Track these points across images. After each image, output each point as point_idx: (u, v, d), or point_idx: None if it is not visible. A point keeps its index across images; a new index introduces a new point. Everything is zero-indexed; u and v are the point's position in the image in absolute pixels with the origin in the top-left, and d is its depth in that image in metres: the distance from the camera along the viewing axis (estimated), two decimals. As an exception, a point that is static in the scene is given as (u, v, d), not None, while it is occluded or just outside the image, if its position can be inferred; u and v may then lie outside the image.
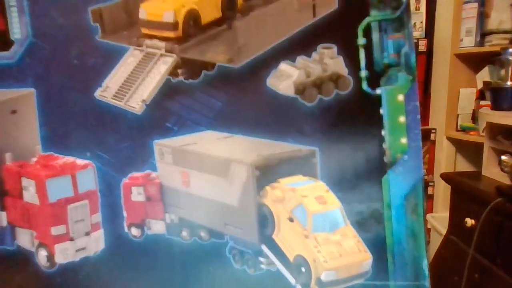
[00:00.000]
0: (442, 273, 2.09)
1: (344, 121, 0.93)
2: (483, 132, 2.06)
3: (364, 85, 0.92)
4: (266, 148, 0.95)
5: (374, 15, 0.92)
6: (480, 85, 2.35)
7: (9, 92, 1.02)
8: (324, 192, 0.93)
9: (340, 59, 0.94)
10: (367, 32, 0.92)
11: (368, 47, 0.92)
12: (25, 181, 1.01)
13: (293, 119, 0.94)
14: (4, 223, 1.03)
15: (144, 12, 0.99)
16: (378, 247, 0.90)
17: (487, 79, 2.26)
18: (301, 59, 0.94)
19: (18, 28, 1.01)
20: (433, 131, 2.61)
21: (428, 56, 2.61)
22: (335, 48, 0.94)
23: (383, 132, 0.91)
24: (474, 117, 2.33)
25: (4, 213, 1.03)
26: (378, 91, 0.92)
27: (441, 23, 2.52)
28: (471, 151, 2.42)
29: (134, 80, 0.99)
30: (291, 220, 0.91)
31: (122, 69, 0.99)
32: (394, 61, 0.91)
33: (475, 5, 2.27)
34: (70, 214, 1.00)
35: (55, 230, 1.00)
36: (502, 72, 1.97)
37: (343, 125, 0.93)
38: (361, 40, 0.92)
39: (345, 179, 0.93)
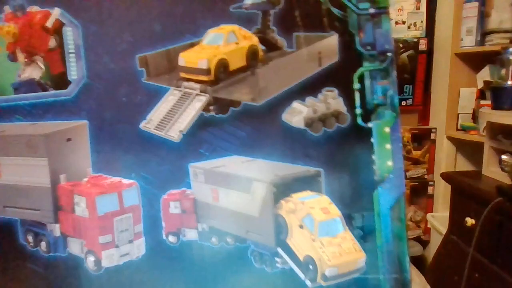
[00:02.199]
0: (442, 272, 2.04)
1: (344, 148, 1.16)
2: (483, 131, 2.01)
3: (359, 120, 1.16)
4: (281, 169, 1.17)
5: (366, 66, 1.17)
6: (480, 85, 2.28)
7: (66, 123, 1.19)
8: (328, 204, 1.16)
9: (340, 99, 1.18)
10: (361, 79, 1.17)
11: (362, 91, 1.17)
12: (77, 198, 1.18)
13: (303, 147, 1.17)
14: (58, 233, 1.20)
15: (183, 60, 1.20)
16: (370, 247, 1.14)
17: (488, 78, 2.20)
18: (309, 99, 1.18)
19: (75, 70, 1.20)
20: (433, 130, 2.55)
21: (428, 55, 2.54)
22: (336, 91, 1.18)
23: (373, 157, 1.15)
24: (475, 117, 2.25)
25: (58, 225, 1.19)
26: (369, 124, 1.16)
27: (442, 22, 2.46)
28: (472, 150, 2.36)
29: (173, 114, 1.19)
30: (301, 227, 1.13)
31: (163, 106, 1.19)
32: (382, 101, 1.16)
33: (476, 4, 2.21)
34: (116, 225, 1.18)
35: (103, 239, 1.17)
36: (503, 71, 1.92)
37: (343, 151, 1.17)
38: (356, 85, 1.17)
39: (344, 193, 1.16)
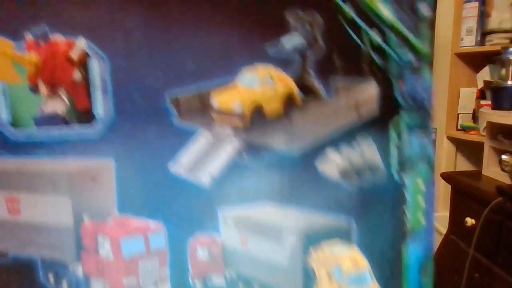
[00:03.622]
0: (443, 272, 2.00)
1: (376, 199, 1.13)
2: (483, 131, 2.00)
3: (393, 172, 1.13)
4: (312, 218, 1.14)
5: (404, 117, 1.13)
6: (480, 85, 2.27)
7: (90, 163, 1.12)
8: (357, 256, 1.14)
9: (375, 149, 1.14)
10: (398, 130, 1.13)
11: (398, 142, 1.13)
12: (101, 239, 1.13)
13: (335, 197, 1.14)
14: (80, 273, 1.15)
15: (216, 102, 1.13)
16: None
17: (488, 78, 2.17)
18: (344, 148, 1.13)
19: (101, 106, 1.11)
20: (433, 130, 2.73)
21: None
22: (371, 140, 1.14)
23: (405, 210, 1.13)
24: (475, 117, 2.24)
25: (80, 266, 1.14)
26: (403, 177, 1.13)
27: (442, 22, 2.39)
28: (472, 150, 2.35)
29: (204, 157, 1.13)
30: (330, 278, 1.11)
31: (194, 148, 1.13)
32: (417, 155, 1.12)
33: (476, 4, 2.19)
34: (141, 268, 1.14)
35: (127, 281, 1.13)
36: (503, 71, 1.90)
37: (375, 202, 1.14)
38: (393, 136, 1.13)
39: (374, 245, 1.14)
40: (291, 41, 1.09)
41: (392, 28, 1.12)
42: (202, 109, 1.15)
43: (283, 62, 1.14)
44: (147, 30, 1.10)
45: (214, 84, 1.14)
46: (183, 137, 1.14)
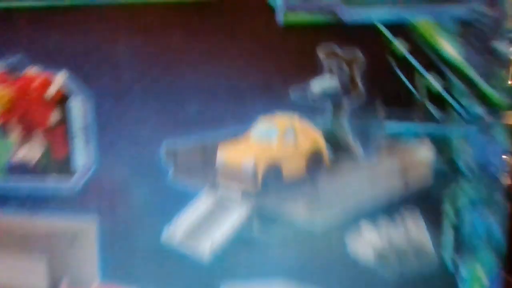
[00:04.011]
0: None
1: (421, 291, 0.86)
2: None
3: (445, 258, 0.85)
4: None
5: (466, 189, 0.85)
6: None
7: (69, 221, 0.92)
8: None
9: (424, 227, 0.86)
10: (456, 205, 0.85)
11: (455, 221, 0.85)
12: (80, 310, 0.93)
13: (368, 284, 0.88)
14: None
15: (223, 158, 0.89)
16: None
17: None
18: (384, 222, 0.86)
19: (83, 155, 0.90)
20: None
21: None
22: (419, 215, 0.86)
23: (459, 308, 0.85)
24: None
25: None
26: (459, 265, 0.85)
27: None
28: None
29: (204, 226, 0.90)
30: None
31: (193, 212, 0.90)
32: (481, 239, 0.84)
33: None
34: None
35: None
36: None
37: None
38: (450, 213, 0.85)
39: None
40: (322, 84, 0.83)
41: (457, 71, 0.84)
42: (205, 165, 0.92)
43: (310, 111, 0.88)
44: (142, 64, 0.88)
45: (221, 135, 0.90)
46: (180, 198, 0.91)
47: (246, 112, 0.87)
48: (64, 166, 0.90)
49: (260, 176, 0.88)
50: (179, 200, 0.90)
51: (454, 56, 0.84)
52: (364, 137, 0.87)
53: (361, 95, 0.85)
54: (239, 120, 0.87)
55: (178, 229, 0.90)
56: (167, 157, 0.88)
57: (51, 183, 0.91)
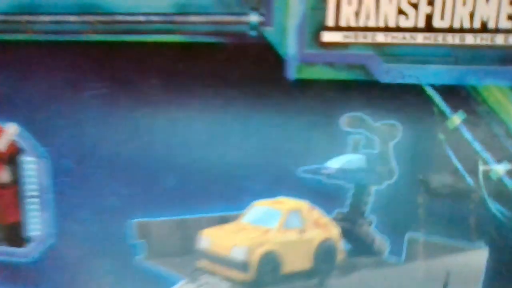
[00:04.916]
0: None
1: None
2: None
3: None
4: None
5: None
6: None
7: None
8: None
9: None
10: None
11: None
12: None
13: None
14: None
15: (208, 242, 0.68)
16: None
17: None
18: None
19: (37, 224, 0.71)
20: None
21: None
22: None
23: None
24: None
25: None
26: None
27: None
28: None
29: (183, 321, 0.70)
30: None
31: (168, 305, 0.70)
32: None
33: None
34: None
35: None
36: None
37: None
38: None
39: None
40: (344, 163, 0.60)
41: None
42: (184, 247, 0.72)
43: (325, 195, 0.66)
44: (110, 120, 0.68)
45: (206, 213, 0.69)
46: (151, 284, 0.71)
47: (238, 192, 0.65)
48: (15, 234, 0.71)
49: (254, 265, 0.67)
50: (150, 286, 0.71)
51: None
52: (396, 232, 0.64)
53: (393, 175, 0.61)
54: (229, 201, 0.65)
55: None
56: (138, 234, 0.68)
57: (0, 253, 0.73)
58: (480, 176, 0.63)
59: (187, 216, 0.71)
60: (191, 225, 0.72)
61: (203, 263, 0.73)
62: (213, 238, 0.72)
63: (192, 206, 0.70)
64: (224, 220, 0.71)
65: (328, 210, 0.69)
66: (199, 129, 0.68)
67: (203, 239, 0.72)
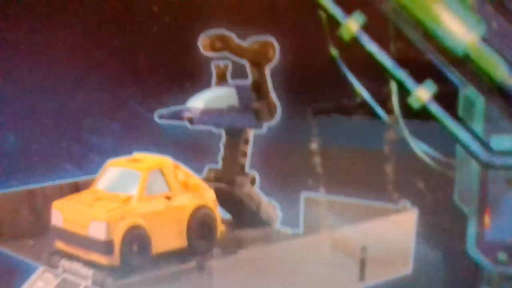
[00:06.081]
0: None
1: None
2: None
3: None
4: None
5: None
6: None
7: None
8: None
9: None
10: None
11: None
12: None
13: None
14: None
15: (60, 217, 0.54)
16: None
17: None
18: None
19: None
20: None
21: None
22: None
23: None
24: None
25: None
26: None
27: None
28: None
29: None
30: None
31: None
32: None
33: None
34: None
35: None
36: None
37: None
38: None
39: None
40: (210, 99, 0.44)
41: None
42: (37, 226, 0.57)
43: (190, 147, 0.50)
44: None
45: (54, 180, 0.54)
46: (7, 274, 0.58)
47: (85, 148, 0.50)
48: None
49: (117, 244, 0.53)
50: (9, 276, 0.57)
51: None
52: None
53: (274, 113, 0.44)
54: (75, 160, 0.50)
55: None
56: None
57: None
58: (395, 103, 0.44)
59: (33, 186, 0.56)
60: (40, 196, 0.57)
61: (60, 245, 0.58)
62: (66, 213, 0.56)
63: (35, 172, 0.55)
64: (76, 188, 0.55)
65: (196, 167, 0.52)
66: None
67: (54, 214, 0.57)
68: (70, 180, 0.56)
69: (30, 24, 0.48)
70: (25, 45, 0.50)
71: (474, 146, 0.49)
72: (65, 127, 0.51)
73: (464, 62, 0.46)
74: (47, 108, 0.51)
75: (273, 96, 0.47)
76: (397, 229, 0.50)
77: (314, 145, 0.48)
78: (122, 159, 0.53)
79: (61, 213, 0.58)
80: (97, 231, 0.56)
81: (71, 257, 0.59)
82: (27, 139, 0.52)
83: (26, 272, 0.61)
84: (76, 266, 0.59)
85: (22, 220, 0.60)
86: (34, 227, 0.60)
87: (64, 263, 0.59)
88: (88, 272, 0.58)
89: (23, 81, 0.50)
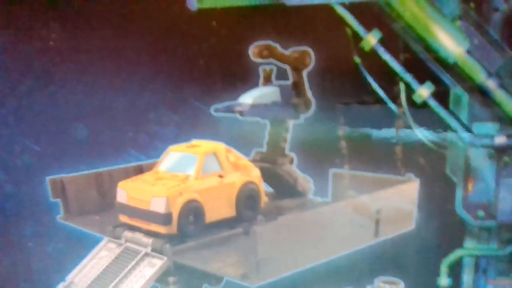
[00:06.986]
0: None
1: None
2: None
3: None
4: None
5: (470, 246, 0.56)
6: None
7: None
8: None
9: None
10: (454, 270, 0.56)
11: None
12: None
13: None
14: None
15: (124, 194, 0.64)
16: None
17: None
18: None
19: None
20: None
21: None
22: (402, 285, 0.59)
23: None
24: None
25: None
26: None
27: None
28: None
29: (107, 281, 0.65)
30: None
31: (92, 264, 0.66)
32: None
33: None
34: None
35: None
36: None
37: None
38: (444, 280, 0.57)
39: None
40: (257, 96, 0.56)
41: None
42: (103, 203, 0.68)
43: (241, 134, 0.61)
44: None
45: (120, 164, 0.64)
46: (75, 244, 0.68)
47: (150, 136, 0.60)
48: None
49: (175, 216, 0.63)
50: (76, 246, 0.67)
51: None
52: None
53: (309, 107, 0.56)
54: (140, 147, 0.60)
55: (75, 283, 0.66)
56: (53, 193, 0.64)
57: None
58: (403, 99, 0.57)
59: (101, 169, 0.66)
60: (106, 178, 0.67)
61: (123, 218, 0.69)
62: (130, 191, 0.67)
63: (105, 158, 0.66)
64: (139, 170, 0.66)
65: (245, 151, 0.64)
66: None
67: (119, 193, 0.67)
68: (134, 164, 0.66)
69: (107, 34, 0.57)
70: (102, 52, 0.59)
71: (461, 131, 0.65)
72: (133, 120, 0.60)
73: (454, 69, 0.62)
74: (119, 104, 0.60)
75: (309, 93, 0.59)
76: (404, 195, 0.64)
77: (340, 132, 0.61)
78: (182, 145, 0.64)
79: (126, 191, 0.68)
80: (158, 206, 0.66)
81: (133, 229, 0.69)
82: (99, 131, 0.61)
83: (91, 243, 0.71)
84: (138, 235, 0.69)
85: (90, 199, 0.69)
86: (100, 205, 0.70)
87: (127, 234, 0.69)
88: (148, 240, 0.68)
89: (101, 82, 0.59)
